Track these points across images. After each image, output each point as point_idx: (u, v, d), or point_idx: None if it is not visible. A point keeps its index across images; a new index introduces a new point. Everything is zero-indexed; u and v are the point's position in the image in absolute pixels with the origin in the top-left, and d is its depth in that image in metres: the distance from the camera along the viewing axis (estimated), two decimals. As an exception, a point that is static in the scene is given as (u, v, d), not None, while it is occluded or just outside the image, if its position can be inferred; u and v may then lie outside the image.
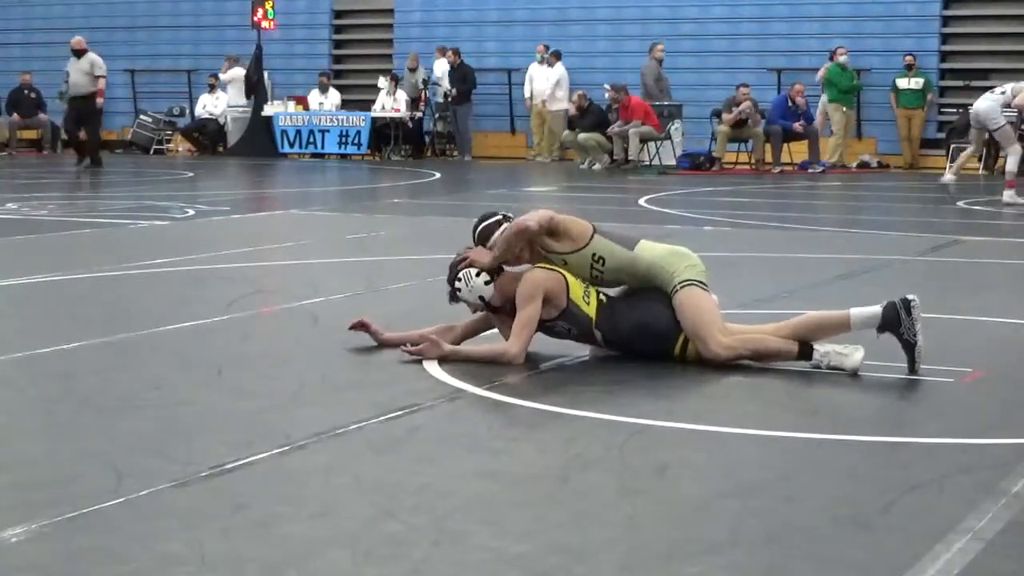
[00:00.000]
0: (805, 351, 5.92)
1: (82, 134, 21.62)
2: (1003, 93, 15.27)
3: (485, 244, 6.20)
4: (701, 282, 6.06)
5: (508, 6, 25.12)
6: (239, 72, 25.16)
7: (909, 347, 5.81)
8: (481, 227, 6.26)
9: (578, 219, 6.28)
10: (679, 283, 6.02)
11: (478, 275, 6.09)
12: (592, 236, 6.16)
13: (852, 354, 5.83)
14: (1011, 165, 15.18)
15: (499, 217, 6.25)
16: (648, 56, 22.24)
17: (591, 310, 6.07)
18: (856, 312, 5.96)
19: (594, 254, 6.14)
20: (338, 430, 4.82)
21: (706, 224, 12.73)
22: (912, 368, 5.80)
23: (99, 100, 21.30)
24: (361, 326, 6.33)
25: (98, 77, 21.30)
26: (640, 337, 6.07)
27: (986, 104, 15.21)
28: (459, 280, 6.11)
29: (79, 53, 21.45)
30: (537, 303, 5.98)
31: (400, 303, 7.77)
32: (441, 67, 24.03)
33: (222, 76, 25.45)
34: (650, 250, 6.17)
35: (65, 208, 14.42)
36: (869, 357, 5.83)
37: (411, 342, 6.09)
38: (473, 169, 22.07)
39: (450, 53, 23.62)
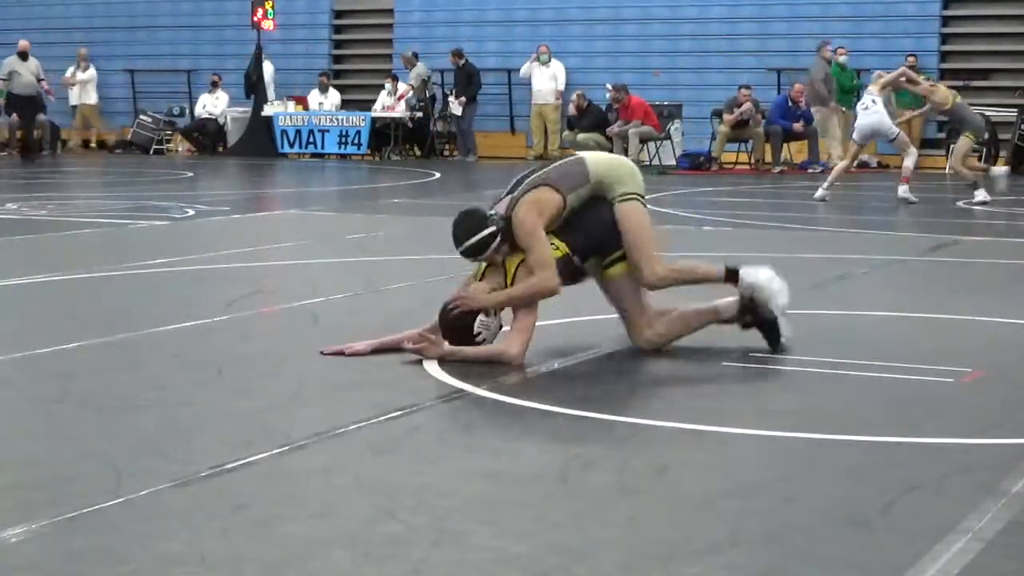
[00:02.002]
0: (731, 275, 6.26)
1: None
2: (874, 102, 15.14)
3: (478, 256, 6.12)
4: (642, 196, 6.30)
5: (508, 6, 25.12)
6: (93, 74, 26.03)
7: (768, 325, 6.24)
8: (471, 244, 6.08)
9: (548, 202, 6.15)
10: (623, 194, 6.22)
11: (489, 316, 6.08)
12: (565, 206, 6.19)
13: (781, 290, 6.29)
14: (908, 163, 15.25)
15: (492, 229, 6.06)
16: (816, 55, 21.90)
17: (562, 250, 6.14)
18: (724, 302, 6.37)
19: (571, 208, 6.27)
20: (338, 430, 4.82)
21: (706, 224, 12.72)
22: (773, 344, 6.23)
23: (51, 97, 23.91)
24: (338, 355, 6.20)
25: (41, 80, 23.40)
26: (597, 231, 6.20)
27: (875, 117, 15.08)
28: (479, 335, 6.02)
29: (25, 55, 22.69)
30: (536, 309, 6.07)
31: (400, 303, 7.76)
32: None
33: (79, 76, 25.99)
34: (597, 165, 6.31)
35: (65, 208, 14.41)
36: (869, 358, 5.83)
37: (411, 340, 6.08)
38: (473, 169, 22.06)
39: (451, 56, 23.55)
